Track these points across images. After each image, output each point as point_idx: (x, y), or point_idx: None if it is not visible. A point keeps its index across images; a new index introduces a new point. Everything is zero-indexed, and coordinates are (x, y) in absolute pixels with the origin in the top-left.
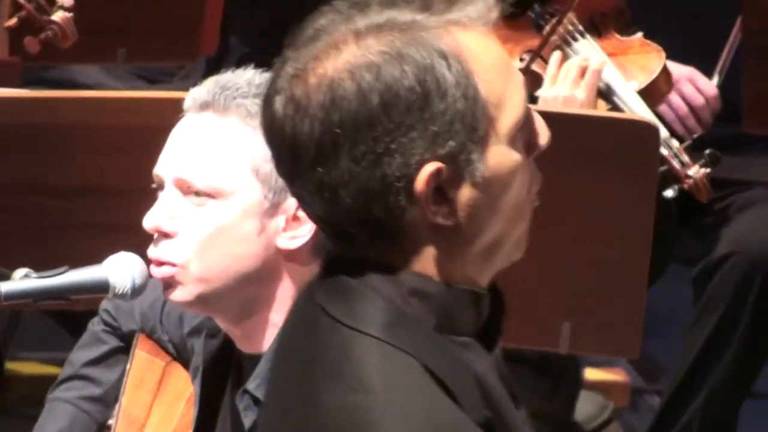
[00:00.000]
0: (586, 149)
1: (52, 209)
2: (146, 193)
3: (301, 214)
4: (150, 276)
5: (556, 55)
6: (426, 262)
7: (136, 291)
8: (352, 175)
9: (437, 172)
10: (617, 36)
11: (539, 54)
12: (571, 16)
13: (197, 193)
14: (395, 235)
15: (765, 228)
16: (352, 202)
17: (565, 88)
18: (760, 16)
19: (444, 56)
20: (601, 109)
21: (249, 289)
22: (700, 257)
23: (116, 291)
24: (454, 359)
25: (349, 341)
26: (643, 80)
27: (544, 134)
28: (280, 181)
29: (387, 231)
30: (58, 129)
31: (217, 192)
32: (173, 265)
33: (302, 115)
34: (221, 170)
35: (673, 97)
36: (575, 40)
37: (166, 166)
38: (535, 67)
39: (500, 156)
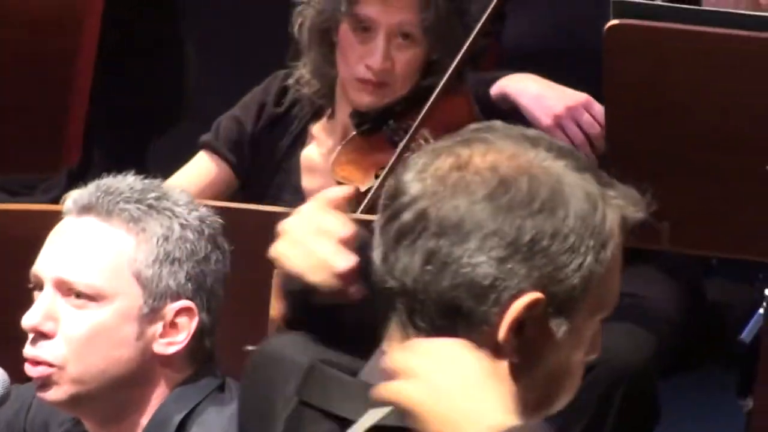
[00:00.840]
0: None
1: None
2: (6, 302)
3: (179, 320)
4: (9, 385)
5: None
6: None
7: (1, 401)
8: (472, 263)
9: (537, 303)
10: None
11: (393, 169)
12: (424, 132)
13: (78, 295)
14: (469, 335)
15: (629, 338)
16: (449, 285)
17: None
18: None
19: (596, 206)
20: None
21: (123, 392)
22: None
23: None
24: None
25: None
26: None
27: (598, 348)
28: (161, 287)
29: (456, 329)
30: None
31: (98, 294)
32: (50, 365)
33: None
34: (103, 273)
35: (569, 125)
36: None
37: (46, 266)
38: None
39: (581, 329)
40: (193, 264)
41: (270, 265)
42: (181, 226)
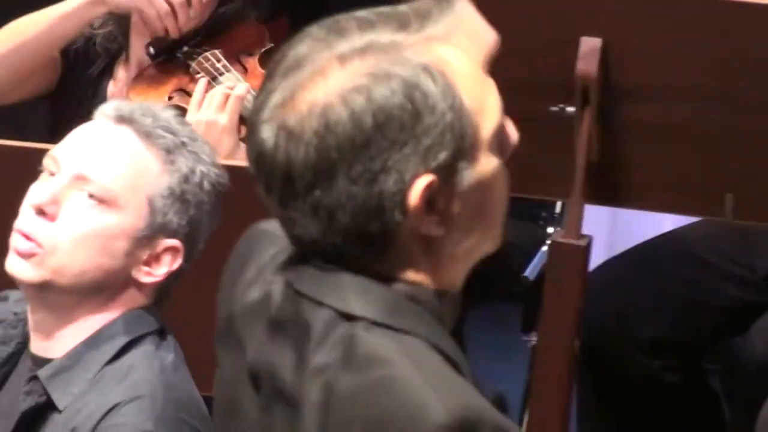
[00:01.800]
0: None
1: None
2: None
3: (164, 256)
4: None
5: (201, 83)
6: (416, 270)
7: None
8: (349, 196)
9: (430, 185)
10: (259, 68)
11: (186, 90)
12: (218, 54)
13: (91, 195)
14: (387, 247)
15: None
16: (349, 221)
17: (209, 113)
18: None
19: (428, 71)
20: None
21: (86, 298)
22: None
23: None
24: (451, 341)
25: (351, 329)
26: None
27: (514, 135)
28: (164, 219)
29: (380, 245)
30: None
31: (110, 200)
32: (40, 245)
33: (296, 143)
34: (122, 183)
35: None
36: (221, 74)
37: (70, 157)
38: (183, 103)
39: (485, 162)
40: (197, 212)
41: None
42: (202, 173)
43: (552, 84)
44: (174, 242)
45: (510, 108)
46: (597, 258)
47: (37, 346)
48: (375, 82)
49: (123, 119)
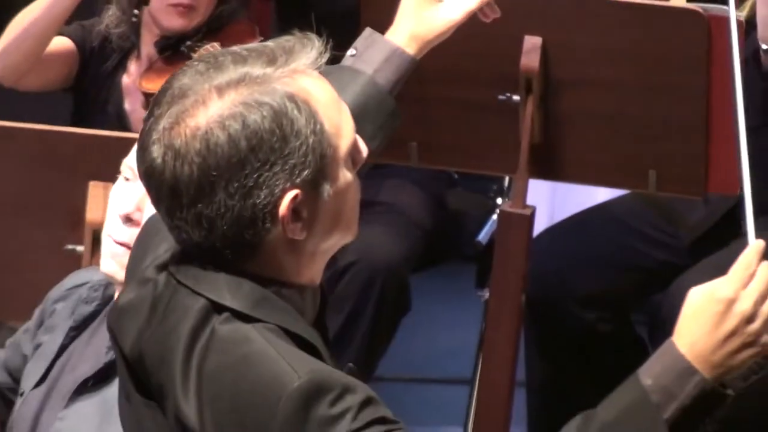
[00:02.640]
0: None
1: None
2: None
3: None
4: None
5: None
6: (280, 269)
7: None
8: (227, 208)
9: (295, 197)
10: None
11: None
12: (216, 47)
13: None
14: (258, 251)
15: (386, 239)
16: (227, 229)
17: None
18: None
19: (294, 100)
20: None
21: None
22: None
23: None
24: (309, 329)
25: (217, 319)
26: None
27: (364, 149)
28: None
29: (252, 249)
30: None
31: None
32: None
33: (182, 162)
34: None
35: None
36: None
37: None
38: None
39: (341, 176)
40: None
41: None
42: None
43: (500, 76)
44: None
45: (465, 97)
46: (540, 225)
47: None
48: (248, 110)
49: None
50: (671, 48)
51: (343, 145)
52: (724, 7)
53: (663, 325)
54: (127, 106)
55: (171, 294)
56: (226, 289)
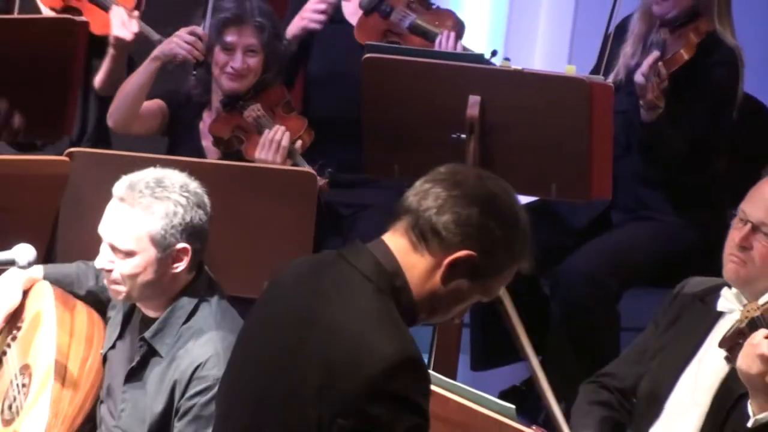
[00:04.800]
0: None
1: None
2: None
3: (181, 255)
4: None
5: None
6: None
7: (29, 266)
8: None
9: (470, 257)
10: (283, 114)
11: (242, 127)
12: (259, 106)
13: (117, 251)
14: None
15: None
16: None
17: (270, 154)
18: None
19: None
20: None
21: (155, 291)
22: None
23: (18, 265)
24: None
25: (362, 284)
26: None
27: (460, 312)
28: (166, 242)
29: (435, 242)
30: None
31: (130, 252)
32: (117, 282)
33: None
34: (131, 240)
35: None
36: (260, 118)
37: (104, 232)
38: (240, 134)
39: (472, 292)
40: (184, 225)
41: None
42: (174, 204)
43: (452, 121)
44: (182, 245)
45: (429, 135)
46: None
47: (144, 311)
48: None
49: (120, 199)
50: (564, 103)
51: (486, 294)
52: (600, 76)
53: (559, 286)
54: (203, 143)
55: (332, 261)
56: (372, 266)
